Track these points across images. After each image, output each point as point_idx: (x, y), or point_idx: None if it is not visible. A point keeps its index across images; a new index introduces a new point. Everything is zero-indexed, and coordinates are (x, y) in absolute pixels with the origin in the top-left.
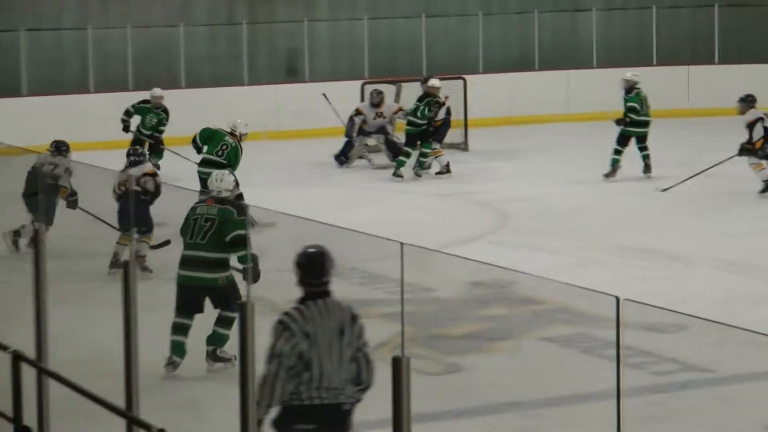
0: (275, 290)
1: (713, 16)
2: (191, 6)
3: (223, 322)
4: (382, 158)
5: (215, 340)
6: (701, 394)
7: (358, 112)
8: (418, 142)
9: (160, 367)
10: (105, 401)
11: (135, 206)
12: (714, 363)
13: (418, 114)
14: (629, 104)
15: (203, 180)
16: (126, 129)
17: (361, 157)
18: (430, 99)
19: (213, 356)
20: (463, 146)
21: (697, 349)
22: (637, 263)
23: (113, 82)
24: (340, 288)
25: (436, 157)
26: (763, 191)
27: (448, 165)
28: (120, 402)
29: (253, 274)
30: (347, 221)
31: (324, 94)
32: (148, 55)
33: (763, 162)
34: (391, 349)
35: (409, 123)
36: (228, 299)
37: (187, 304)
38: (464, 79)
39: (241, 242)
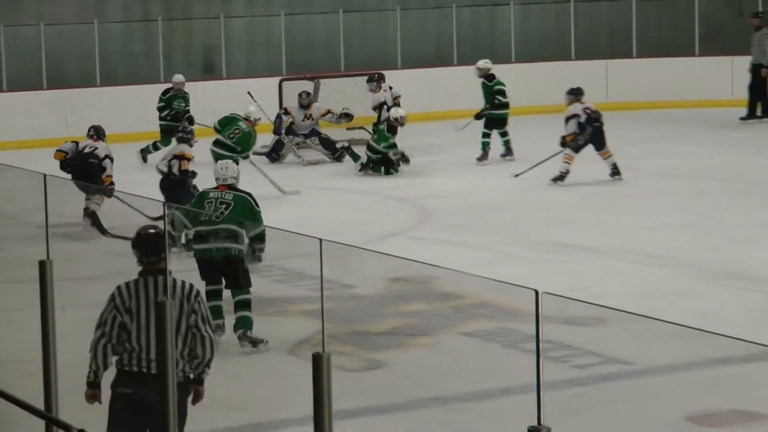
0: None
1: (631, 10)
2: (105, 3)
3: (241, 306)
4: (312, 154)
5: (242, 325)
6: (622, 387)
7: (286, 112)
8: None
9: (81, 367)
10: (23, 402)
11: (169, 185)
12: (634, 355)
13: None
14: (498, 87)
15: (215, 158)
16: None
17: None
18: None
19: (247, 339)
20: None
21: (617, 341)
22: (557, 258)
23: (26, 80)
24: (260, 285)
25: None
26: (555, 180)
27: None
28: (39, 403)
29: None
30: (267, 219)
31: (249, 92)
32: (62, 52)
33: (574, 156)
34: (311, 346)
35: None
36: (238, 276)
37: (211, 272)
38: (383, 74)
39: (260, 237)
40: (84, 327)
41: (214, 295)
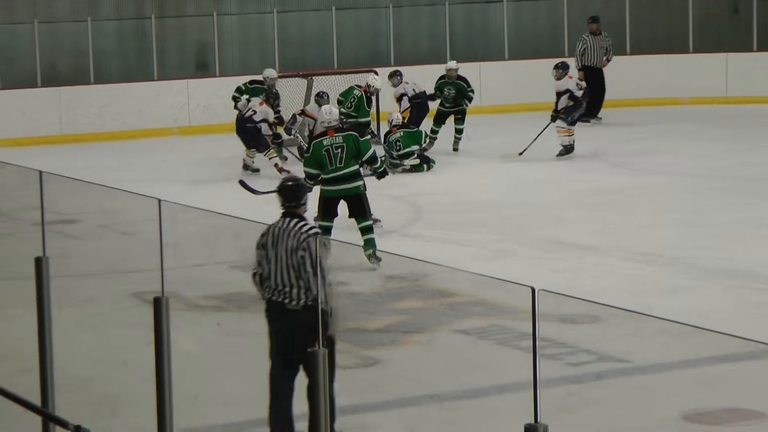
0: (190, 286)
1: (624, 6)
2: (99, 1)
3: (365, 230)
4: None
5: (369, 246)
6: (616, 384)
7: (302, 113)
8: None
9: (77, 362)
10: (20, 398)
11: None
12: (629, 353)
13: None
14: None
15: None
16: (236, 106)
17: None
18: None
19: (374, 257)
20: (375, 140)
21: (611, 339)
22: (551, 255)
23: (21, 77)
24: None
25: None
26: (560, 155)
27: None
28: (36, 399)
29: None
30: (261, 215)
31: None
32: (56, 50)
33: (572, 128)
34: None
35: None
36: (363, 206)
37: (329, 209)
38: (376, 72)
39: (374, 158)
40: (80, 323)
41: (327, 230)
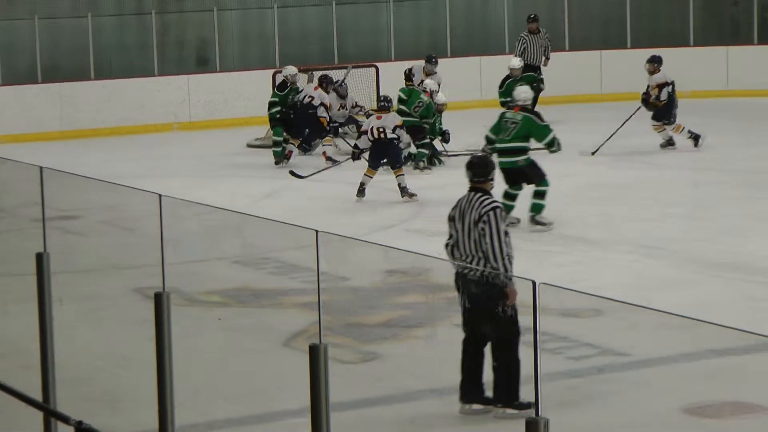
0: (192, 282)
1: (625, 0)
2: None
3: (536, 195)
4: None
5: (534, 209)
6: (618, 378)
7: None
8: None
9: (79, 358)
10: (21, 394)
11: (389, 148)
12: (630, 346)
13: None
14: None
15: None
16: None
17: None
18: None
19: (533, 221)
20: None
21: (612, 333)
22: (553, 249)
23: (21, 73)
24: (254, 277)
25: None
26: (664, 146)
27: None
28: (37, 395)
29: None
30: (262, 210)
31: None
32: (56, 46)
33: (664, 125)
34: (307, 338)
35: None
36: (533, 175)
37: (509, 177)
38: (376, 67)
39: (551, 143)
40: (81, 319)
41: (509, 196)
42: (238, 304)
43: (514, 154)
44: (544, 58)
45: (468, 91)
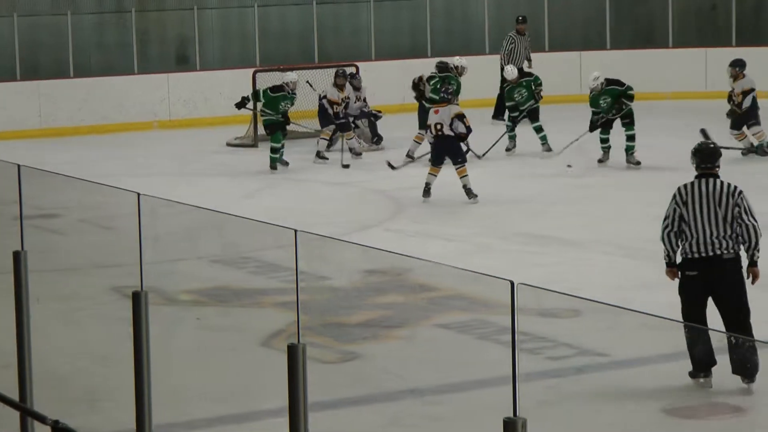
0: (170, 281)
1: (605, 1)
2: None
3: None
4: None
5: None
6: (596, 378)
7: (325, 97)
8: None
9: (57, 357)
10: None
11: (447, 143)
12: (609, 347)
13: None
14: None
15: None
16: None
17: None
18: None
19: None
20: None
21: (592, 333)
22: (532, 249)
23: (0, 71)
24: (233, 277)
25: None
26: (763, 153)
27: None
28: (14, 394)
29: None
30: (241, 210)
31: (308, 81)
32: (36, 43)
33: (744, 132)
34: (286, 338)
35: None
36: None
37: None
38: (356, 66)
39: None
40: (59, 318)
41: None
42: (216, 303)
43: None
44: (527, 61)
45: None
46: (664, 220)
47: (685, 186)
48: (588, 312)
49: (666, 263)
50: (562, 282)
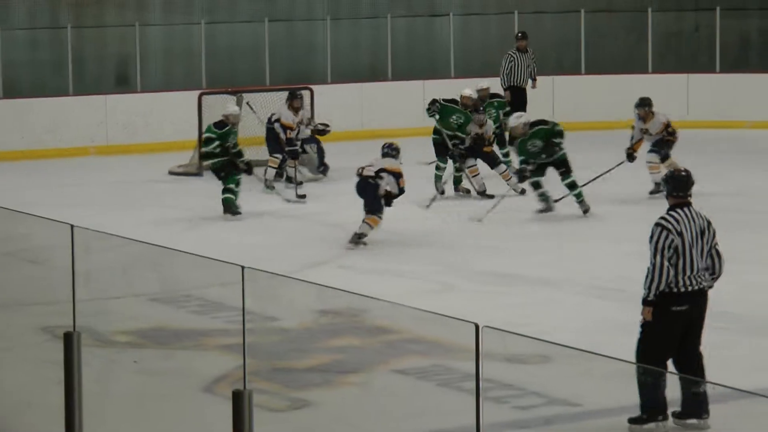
0: (105, 320)
1: (579, 23)
2: (9, 7)
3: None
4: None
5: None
6: (567, 430)
7: (278, 120)
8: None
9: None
10: None
11: (366, 190)
12: (580, 396)
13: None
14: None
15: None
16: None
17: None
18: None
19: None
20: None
21: (562, 381)
22: (497, 289)
23: None
24: (174, 316)
25: (473, 176)
26: (653, 192)
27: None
28: None
29: None
30: (183, 243)
31: (248, 102)
32: None
33: (660, 164)
34: (231, 383)
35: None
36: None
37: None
38: (311, 89)
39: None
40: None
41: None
42: (155, 345)
43: None
44: (531, 80)
45: (410, 116)
46: (660, 252)
47: (673, 216)
48: (558, 357)
49: (647, 302)
50: (529, 325)
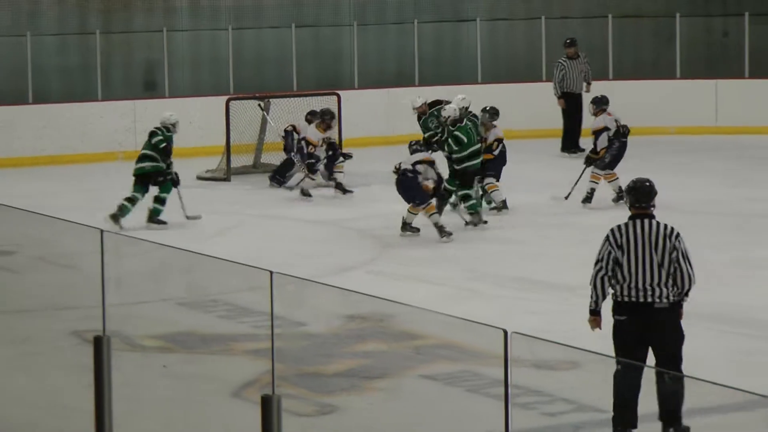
0: (134, 325)
1: (607, 28)
2: (39, 13)
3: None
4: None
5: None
6: None
7: (294, 129)
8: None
9: (11, 408)
10: None
11: (407, 184)
12: (609, 403)
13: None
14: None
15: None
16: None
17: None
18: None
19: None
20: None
21: (591, 387)
22: (526, 296)
23: None
24: (202, 321)
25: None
26: (584, 201)
27: (504, 201)
28: None
29: None
30: (212, 249)
31: (260, 104)
32: None
33: (602, 174)
34: (259, 389)
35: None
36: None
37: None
38: (338, 95)
39: None
40: (15, 364)
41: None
42: (184, 350)
43: None
44: (585, 84)
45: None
46: (597, 263)
47: (619, 227)
48: (587, 364)
49: (590, 310)
50: (558, 331)
